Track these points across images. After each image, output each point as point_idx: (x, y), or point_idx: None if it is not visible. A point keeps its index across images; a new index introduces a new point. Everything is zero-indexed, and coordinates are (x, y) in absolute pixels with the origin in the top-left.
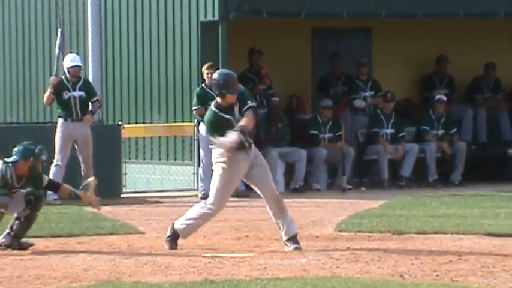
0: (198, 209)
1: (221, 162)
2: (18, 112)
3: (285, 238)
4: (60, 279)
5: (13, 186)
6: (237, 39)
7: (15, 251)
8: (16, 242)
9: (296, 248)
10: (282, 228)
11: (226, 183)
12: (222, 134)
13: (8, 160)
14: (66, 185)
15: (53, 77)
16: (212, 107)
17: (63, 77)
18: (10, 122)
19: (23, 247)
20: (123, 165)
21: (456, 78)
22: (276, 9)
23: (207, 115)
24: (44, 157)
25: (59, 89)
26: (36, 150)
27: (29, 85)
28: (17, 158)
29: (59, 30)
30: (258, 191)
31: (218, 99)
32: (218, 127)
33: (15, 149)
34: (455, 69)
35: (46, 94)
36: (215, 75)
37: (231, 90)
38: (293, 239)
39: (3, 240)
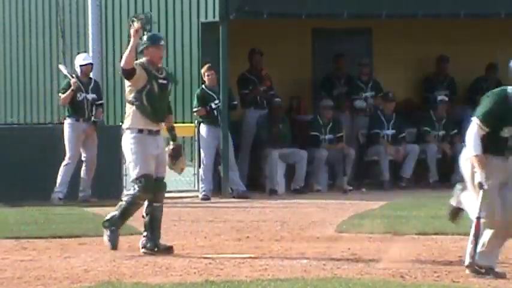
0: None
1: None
2: (18, 113)
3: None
4: (61, 280)
5: (157, 77)
6: (238, 40)
7: (16, 252)
8: (152, 244)
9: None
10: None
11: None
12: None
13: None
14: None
15: (73, 80)
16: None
17: (74, 75)
18: (11, 122)
19: (162, 249)
20: (124, 166)
21: (457, 79)
22: (276, 10)
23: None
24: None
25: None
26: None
27: (29, 86)
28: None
29: (60, 66)
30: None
31: None
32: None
33: None
34: (456, 70)
35: (65, 96)
36: None
37: None
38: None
39: (145, 245)
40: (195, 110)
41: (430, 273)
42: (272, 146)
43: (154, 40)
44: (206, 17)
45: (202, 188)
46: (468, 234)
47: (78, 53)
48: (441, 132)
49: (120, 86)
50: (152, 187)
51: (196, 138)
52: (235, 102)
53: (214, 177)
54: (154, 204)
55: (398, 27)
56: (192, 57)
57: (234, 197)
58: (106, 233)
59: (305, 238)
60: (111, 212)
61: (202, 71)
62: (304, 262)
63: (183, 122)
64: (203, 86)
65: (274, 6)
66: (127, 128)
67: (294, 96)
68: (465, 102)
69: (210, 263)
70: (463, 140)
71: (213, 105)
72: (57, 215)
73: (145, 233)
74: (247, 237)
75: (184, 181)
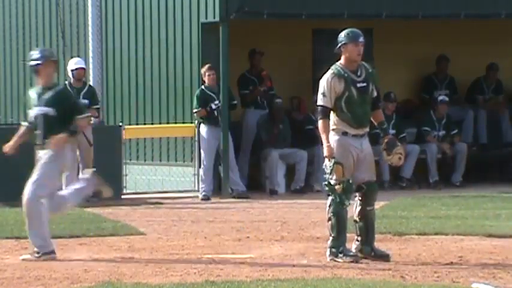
0: None
1: None
2: (19, 113)
3: None
4: (61, 280)
5: (355, 81)
6: (238, 40)
7: (16, 252)
8: (368, 248)
9: None
10: None
11: None
12: None
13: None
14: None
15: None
16: None
17: (66, 82)
18: (11, 123)
19: (378, 255)
20: (124, 166)
21: (457, 79)
22: (276, 10)
23: None
24: None
25: None
26: None
27: (30, 86)
28: None
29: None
30: None
31: None
32: None
33: None
34: (456, 70)
35: None
36: None
37: None
38: None
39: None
40: (195, 111)
41: (430, 274)
42: (272, 146)
43: (353, 37)
44: (206, 17)
45: (202, 188)
46: (468, 235)
47: (72, 57)
48: (441, 132)
49: (120, 87)
50: (351, 188)
51: (196, 139)
52: (235, 102)
53: (214, 178)
54: (368, 208)
55: (399, 27)
56: (192, 57)
57: (234, 197)
58: (344, 259)
59: (305, 238)
60: (329, 241)
61: (203, 71)
62: (304, 262)
63: (183, 122)
64: (202, 86)
65: (274, 6)
66: (332, 129)
67: (294, 96)
68: (465, 102)
69: (210, 263)
70: (463, 140)
71: (213, 106)
72: (56, 215)
73: (359, 238)
74: (247, 237)
75: (184, 181)
